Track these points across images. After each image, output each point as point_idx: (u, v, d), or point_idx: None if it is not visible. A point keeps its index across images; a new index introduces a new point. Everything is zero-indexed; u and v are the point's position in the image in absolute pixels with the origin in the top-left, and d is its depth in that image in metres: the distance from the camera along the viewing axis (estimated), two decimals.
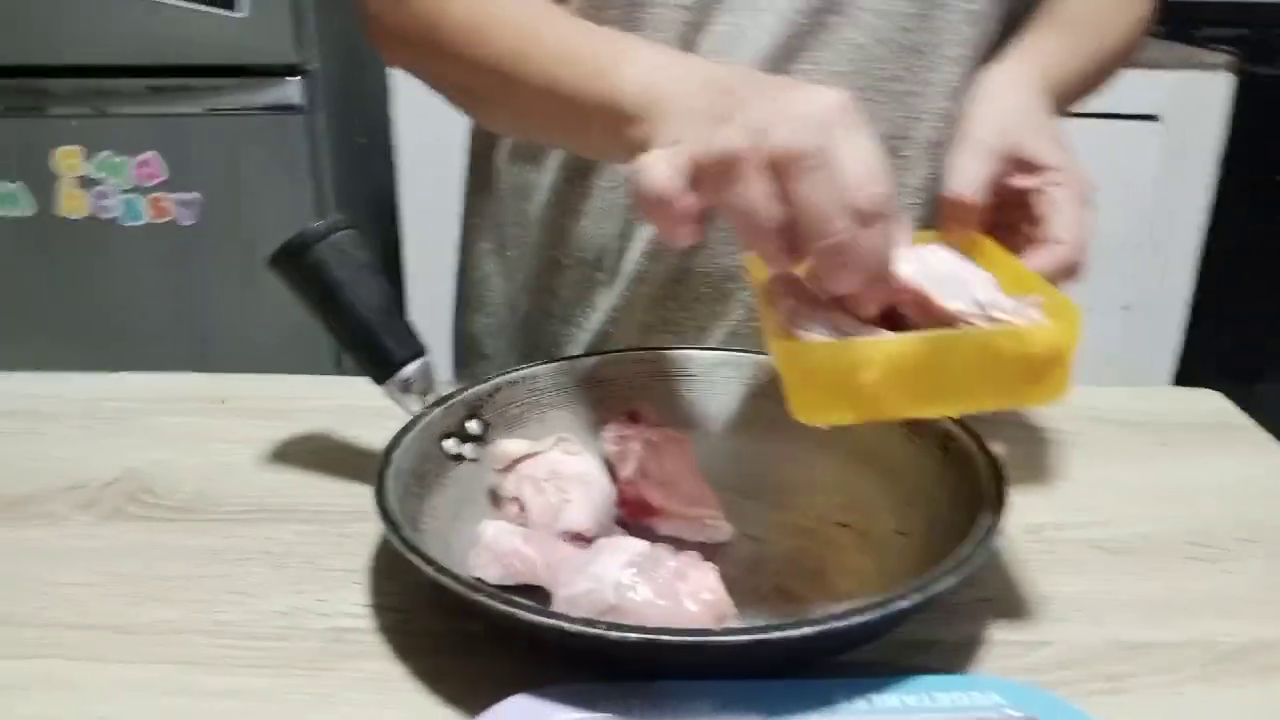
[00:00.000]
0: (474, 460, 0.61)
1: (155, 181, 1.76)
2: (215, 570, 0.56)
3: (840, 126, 0.45)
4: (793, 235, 0.46)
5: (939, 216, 0.62)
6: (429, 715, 0.46)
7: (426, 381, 0.61)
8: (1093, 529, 0.61)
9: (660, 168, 0.47)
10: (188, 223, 1.78)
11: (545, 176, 0.80)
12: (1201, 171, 1.91)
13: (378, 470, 0.53)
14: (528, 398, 0.65)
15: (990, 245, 0.60)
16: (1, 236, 1.79)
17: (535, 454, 0.60)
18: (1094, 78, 0.77)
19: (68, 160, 1.75)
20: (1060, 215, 0.59)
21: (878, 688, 0.45)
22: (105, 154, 1.74)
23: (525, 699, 0.44)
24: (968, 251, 0.57)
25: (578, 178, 0.79)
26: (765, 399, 0.66)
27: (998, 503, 0.51)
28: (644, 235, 0.77)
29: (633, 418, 0.63)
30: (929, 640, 0.51)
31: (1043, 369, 0.48)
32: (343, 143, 1.87)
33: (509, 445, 0.60)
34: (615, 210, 0.78)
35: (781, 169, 0.45)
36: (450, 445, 0.60)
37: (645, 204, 0.48)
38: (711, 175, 0.47)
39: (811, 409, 0.49)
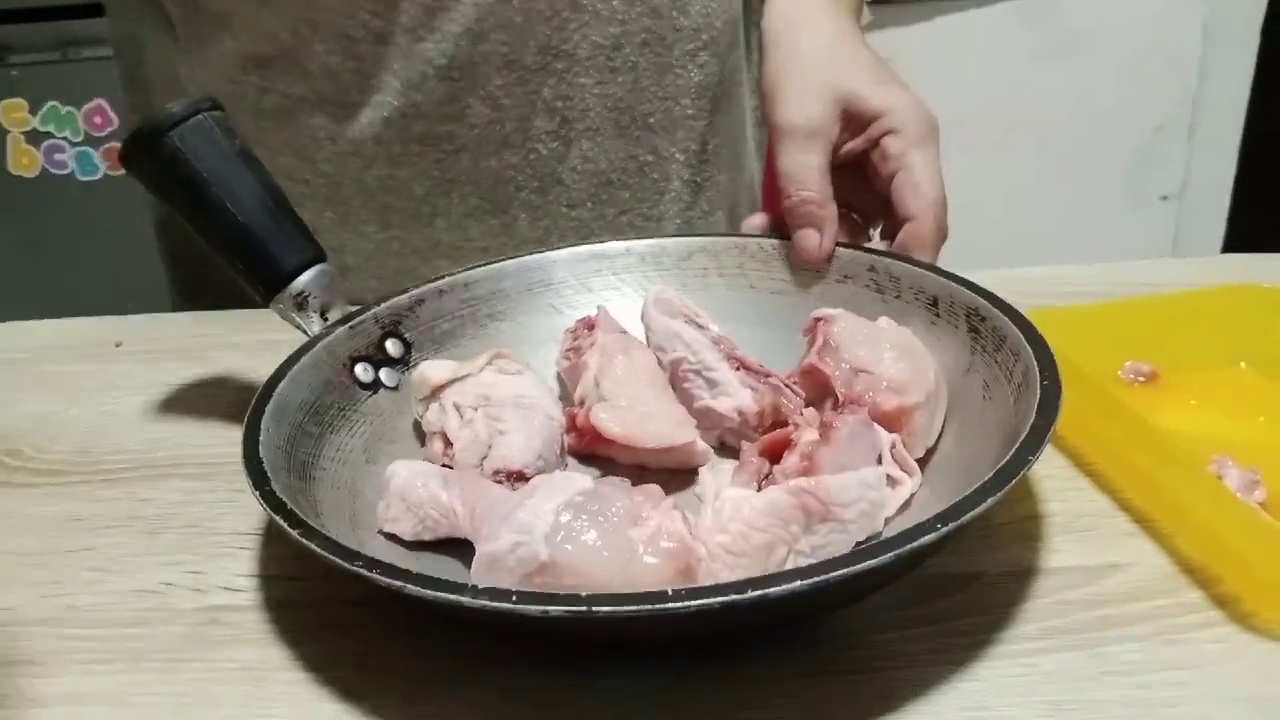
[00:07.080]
0: (394, 389, 0.50)
1: (108, 130, 1.64)
2: (75, 543, 0.46)
3: None
4: None
5: (789, 225, 0.54)
6: (312, 717, 0.36)
7: (327, 294, 0.50)
8: None
9: None
10: None
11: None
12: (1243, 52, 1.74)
13: (250, 408, 0.42)
14: (461, 309, 0.53)
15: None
16: None
17: (463, 377, 0.48)
18: None
19: (14, 115, 1.63)
20: (906, 178, 0.53)
21: None
22: (51, 104, 1.62)
23: None
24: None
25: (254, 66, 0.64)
26: (751, 289, 0.54)
27: (1046, 395, 0.39)
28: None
29: (589, 325, 0.52)
30: (967, 573, 0.40)
31: None
32: None
33: (430, 369, 0.48)
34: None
35: None
36: (363, 371, 0.49)
37: None
38: None
39: None
